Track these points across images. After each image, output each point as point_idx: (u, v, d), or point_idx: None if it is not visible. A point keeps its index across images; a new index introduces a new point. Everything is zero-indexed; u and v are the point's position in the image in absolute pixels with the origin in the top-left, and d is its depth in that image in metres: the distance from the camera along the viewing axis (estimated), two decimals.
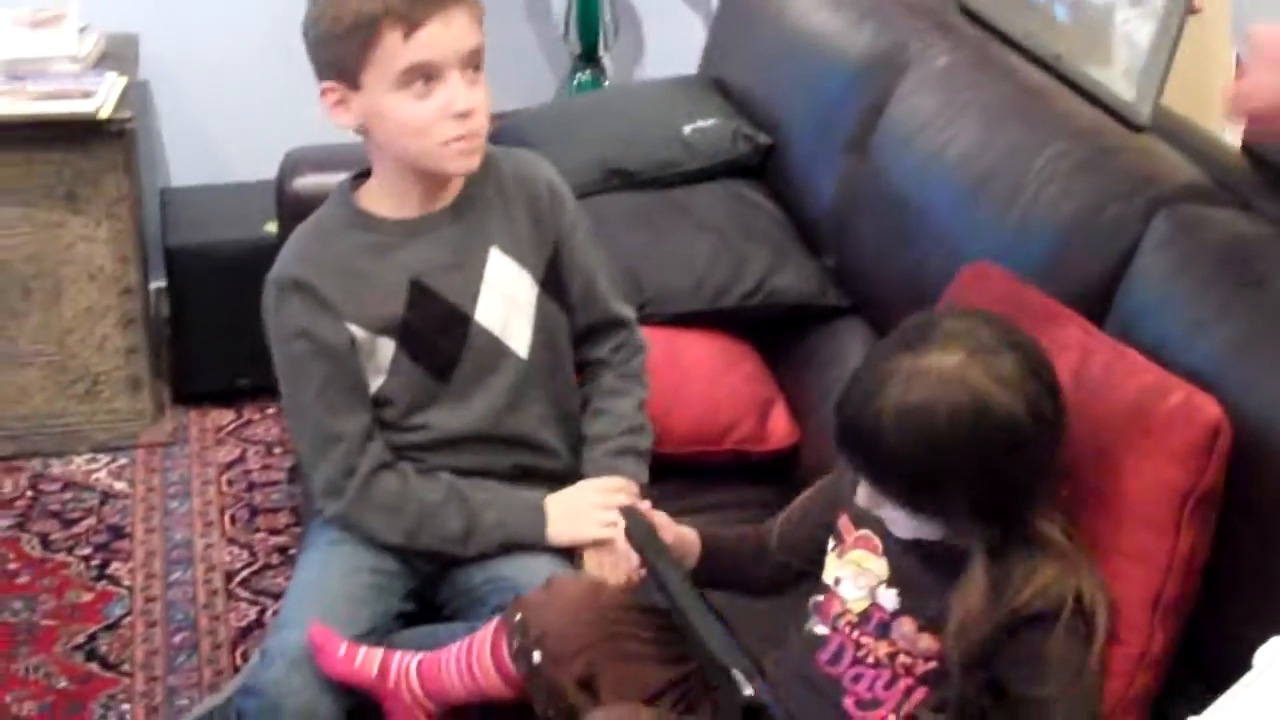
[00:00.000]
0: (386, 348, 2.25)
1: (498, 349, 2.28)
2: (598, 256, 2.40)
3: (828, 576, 1.91)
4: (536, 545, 2.26)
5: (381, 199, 2.27)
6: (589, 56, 3.99)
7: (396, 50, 2.12)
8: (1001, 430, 1.69)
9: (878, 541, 1.86)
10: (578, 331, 2.38)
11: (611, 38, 4.01)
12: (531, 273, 2.30)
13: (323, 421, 2.25)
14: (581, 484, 2.31)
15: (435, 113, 2.14)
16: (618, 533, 2.07)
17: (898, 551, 1.84)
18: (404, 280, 2.24)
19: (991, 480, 1.70)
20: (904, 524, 1.79)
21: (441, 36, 2.13)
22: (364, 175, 2.31)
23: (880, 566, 1.85)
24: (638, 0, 4.22)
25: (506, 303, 2.28)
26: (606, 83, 4.00)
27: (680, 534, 2.02)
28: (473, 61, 2.17)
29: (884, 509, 1.79)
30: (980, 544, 1.73)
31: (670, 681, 1.94)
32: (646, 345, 2.45)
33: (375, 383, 2.27)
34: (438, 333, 2.26)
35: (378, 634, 2.18)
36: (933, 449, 1.68)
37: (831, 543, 1.92)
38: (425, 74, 2.14)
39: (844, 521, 1.91)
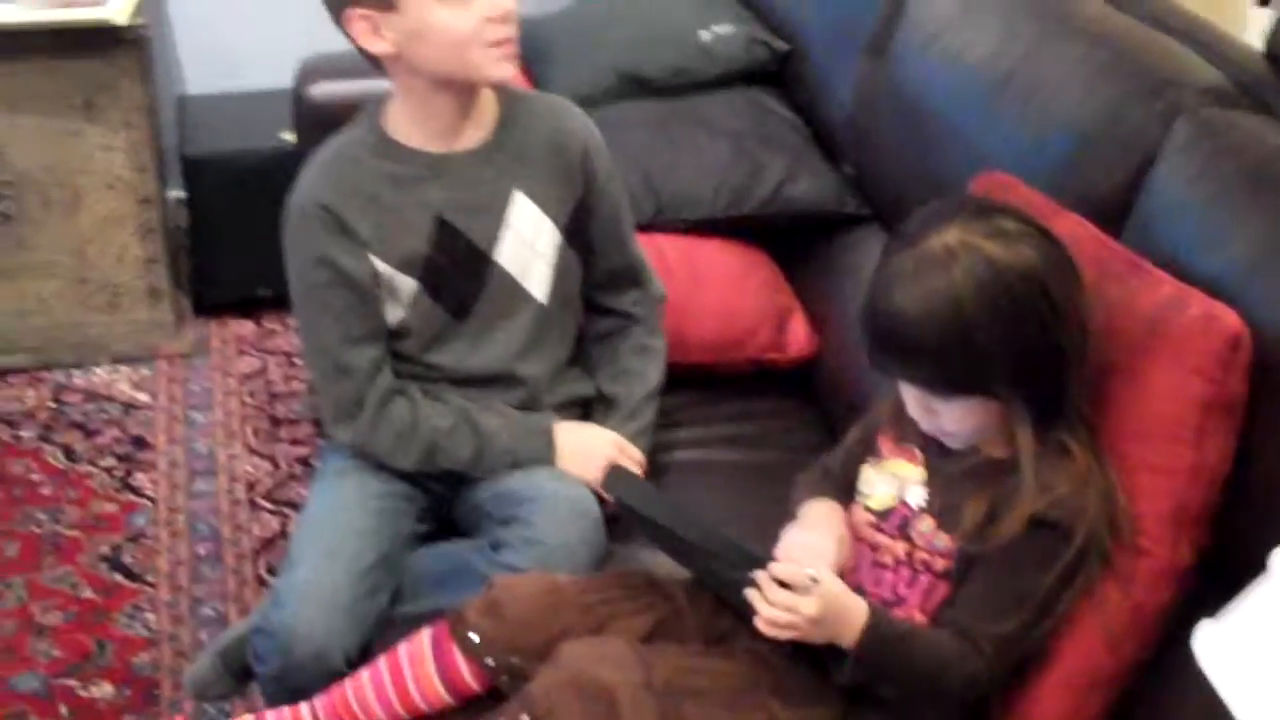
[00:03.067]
0: (407, 283, 2.23)
1: (516, 292, 2.27)
2: (625, 204, 2.38)
3: (860, 486, 1.91)
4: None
5: (409, 128, 2.22)
6: None
7: None
8: (1019, 278, 1.71)
9: (917, 453, 1.87)
10: (597, 276, 2.37)
11: None
12: (554, 220, 2.28)
13: (337, 350, 2.24)
14: (602, 431, 2.32)
15: (477, 19, 2.10)
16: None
17: (937, 459, 1.85)
18: (429, 217, 2.22)
19: (1026, 336, 1.71)
20: (955, 422, 1.79)
21: None
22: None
23: (916, 473, 1.86)
24: None
25: (527, 247, 2.26)
26: None
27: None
28: None
29: (935, 416, 1.79)
30: (1026, 436, 1.74)
31: (655, 622, 1.93)
32: (664, 293, 2.43)
33: (394, 315, 2.26)
34: (458, 271, 2.24)
35: (391, 560, 2.18)
36: (959, 322, 1.70)
37: (869, 461, 1.93)
38: None
39: (883, 439, 1.92)
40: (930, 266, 1.71)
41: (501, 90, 2.27)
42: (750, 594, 1.76)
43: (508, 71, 2.18)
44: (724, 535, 1.83)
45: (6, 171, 3.47)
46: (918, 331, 1.71)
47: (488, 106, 2.25)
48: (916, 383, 1.78)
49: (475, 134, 2.24)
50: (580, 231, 2.32)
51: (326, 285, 2.21)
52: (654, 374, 2.38)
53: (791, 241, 2.75)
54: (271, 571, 2.96)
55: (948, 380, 1.75)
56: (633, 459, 2.30)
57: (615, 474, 2.06)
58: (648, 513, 1.92)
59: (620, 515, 2.13)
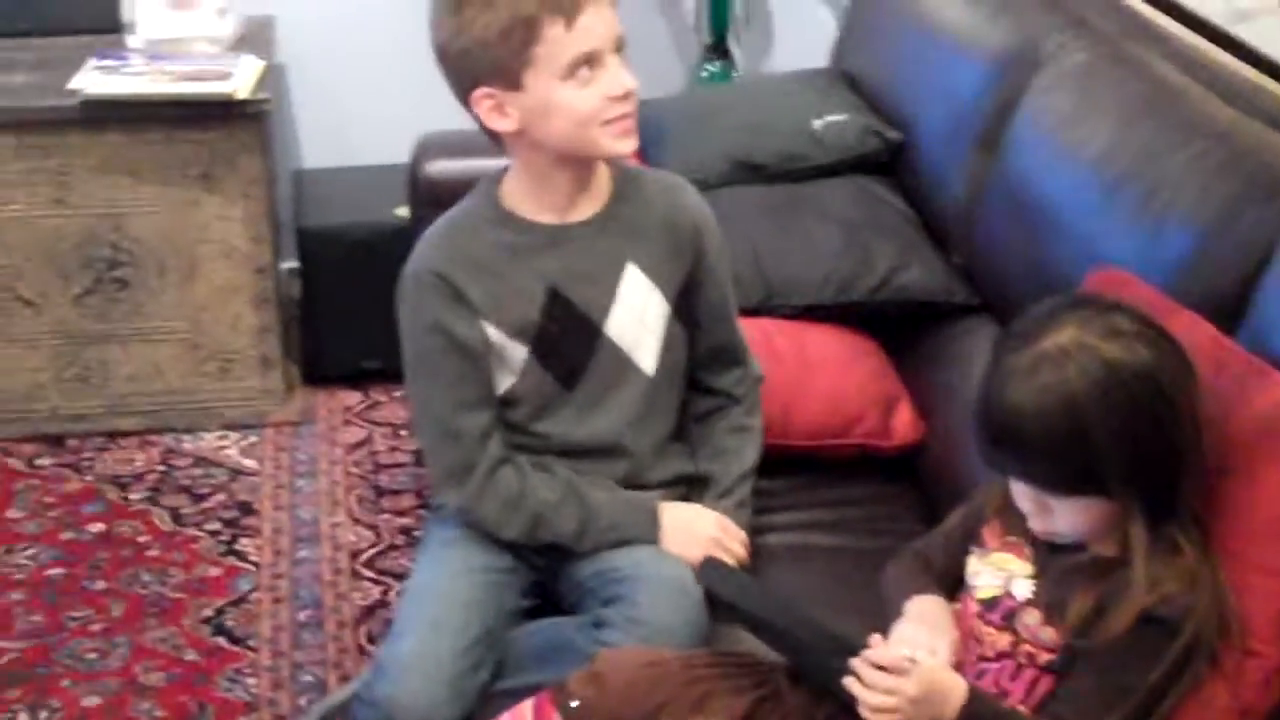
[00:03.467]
0: (518, 351, 2.26)
1: (625, 363, 2.30)
2: (730, 283, 2.41)
3: (966, 577, 1.92)
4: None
5: (524, 199, 2.27)
6: (719, 47, 3.99)
7: (560, 42, 2.12)
8: (1134, 377, 1.71)
9: (1026, 548, 1.87)
10: (701, 353, 2.39)
11: (742, 29, 4.01)
12: (664, 293, 2.31)
13: (447, 416, 2.27)
14: (705, 511, 2.33)
15: (600, 98, 2.15)
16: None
17: (1045, 555, 1.85)
18: (542, 286, 2.25)
19: (1141, 435, 1.72)
20: (1068, 520, 1.79)
21: (597, 22, 2.14)
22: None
23: (1023, 567, 1.86)
24: None
25: (636, 320, 2.29)
26: (736, 74, 4.00)
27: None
28: (621, 44, 2.18)
29: (1048, 513, 1.79)
30: (1139, 533, 1.74)
31: (755, 701, 1.93)
32: (762, 374, 2.45)
33: (504, 383, 2.29)
34: (569, 340, 2.27)
35: (494, 635, 2.20)
36: (1074, 421, 1.70)
37: (974, 551, 1.93)
38: (589, 61, 2.14)
39: (990, 530, 1.92)
40: (1045, 365, 1.72)
41: (616, 165, 2.30)
42: (849, 682, 1.76)
43: (629, 147, 2.22)
44: (820, 623, 1.84)
45: (126, 239, 3.55)
46: (1032, 430, 1.72)
47: (602, 180, 2.29)
48: (1030, 481, 1.79)
49: (590, 206, 2.28)
50: (687, 306, 2.34)
51: (439, 351, 2.25)
52: (750, 453, 2.39)
53: (899, 329, 2.76)
54: (372, 640, 2.98)
55: (1061, 479, 1.76)
56: (736, 538, 2.31)
57: (709, 566, 2.07)
58: (743, 605, 1.93)
59: (718, 606, 2.14)
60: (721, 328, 2.39)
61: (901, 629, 1.90)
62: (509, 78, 2.14)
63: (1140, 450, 1.72)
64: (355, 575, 3.19)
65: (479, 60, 2.15)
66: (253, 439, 3.68)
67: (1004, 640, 1.84)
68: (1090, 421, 1.70)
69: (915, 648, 1.83)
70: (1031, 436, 1.73)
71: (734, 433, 2.40)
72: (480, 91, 2.17)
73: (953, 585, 1.96)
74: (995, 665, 1.85)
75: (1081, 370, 1.71)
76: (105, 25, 3.80)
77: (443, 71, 2.21)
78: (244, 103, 3.46)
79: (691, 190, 2.38)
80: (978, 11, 2.85)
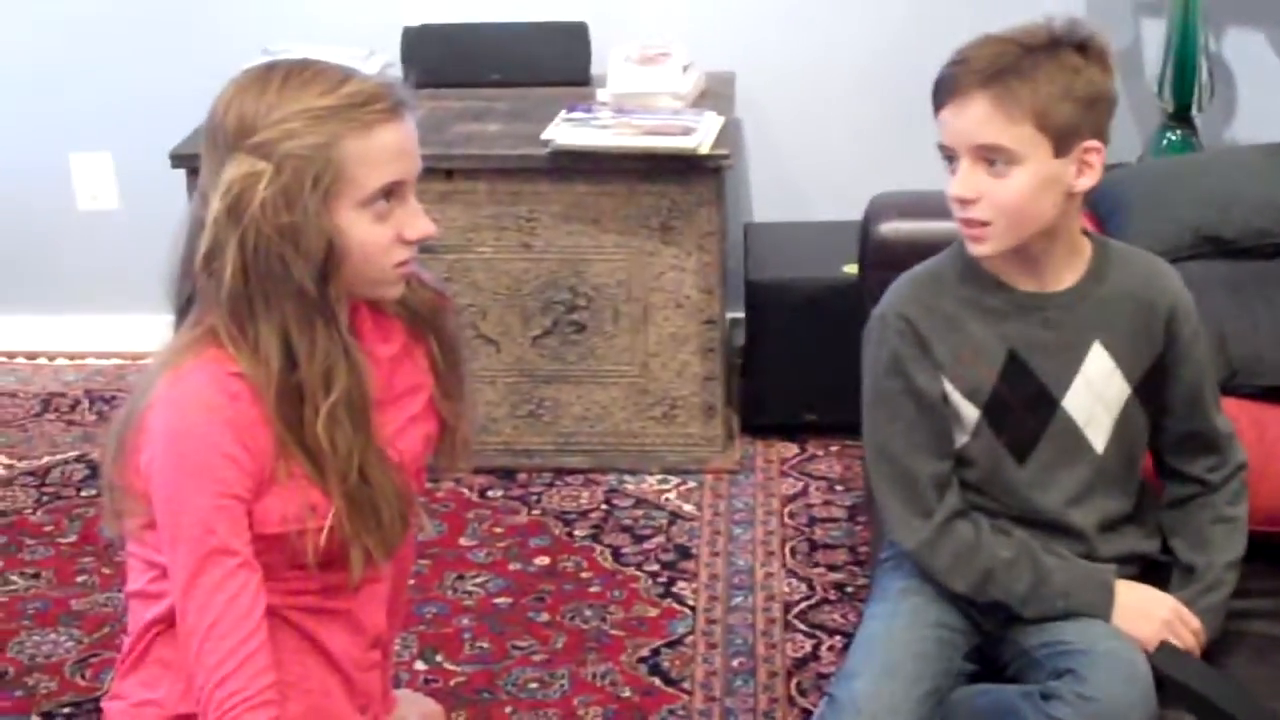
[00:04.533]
0: (971, 412, 2.28)
1: (1077, 439, 2.28)
2: (1209, 369, 2.37)
3: None
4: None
5: (1000, 262, 2.27)
6: (1181, 116, 3.91)
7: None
8: None
9: None
10: (1169, 438, 2.35)
11: (1206, 98, 3.91)
12: (1126, 375, 2.28)
13: (904, 459, 2.29)
14: (1160, 593, 2.29)
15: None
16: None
17: None
18: (1003, 349, 2.26)
19: None
20: None
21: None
22: None
23: None
24: (1234, 60, 4.11)
25: (1095, 397, 2.27)
26: (1197, 143, 3.91)
27: None
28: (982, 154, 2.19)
29: None
30: None
31: None
32: (1245, 460, 2.39)
33: (959, 440, 2.30)
34: (1023, 408, 2.27)
35: (940, 693, 2.21)
36: None
37: None
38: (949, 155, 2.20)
39: None
40: None
41: (1097, 239, 2.29)
42: None
43: (970, 251, 2.24)
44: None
45: (585, 285, 3.69)
46: None
47: (1082, 252, 2.28)
48: None
49: (1066, 278, 2.27)
50: (1154, 390, 2.30)
51: (899, 393, 2.27)
52: (1234, 544, 2.33)
53: None
54: (803, 692, 3.01)
55: None
56: (1189, 627, 2.25)
57: (1166, 648, 2.03)
58: (1202, 691, 1.88)
59: (1171, 692, 2.09)
60: (1195, 414, 2.34)
61: None
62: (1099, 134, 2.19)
63: None
64: (788, 626, 3.23)
65: (1099, 112, 2.20)
66: (691, 484, 3.76)
67: None
68: None
69: None
70: None
71: (1218, 523, 2.34)
72: (1091, 143, 2.19)
73: None
74: None
75: None
76: (576, 78, 3.98)
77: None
78: (705, 157, 3.56)
79: (1172, 272, 2.35)
80: None
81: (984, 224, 2.18)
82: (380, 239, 1.93)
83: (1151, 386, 2.30)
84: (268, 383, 1.89)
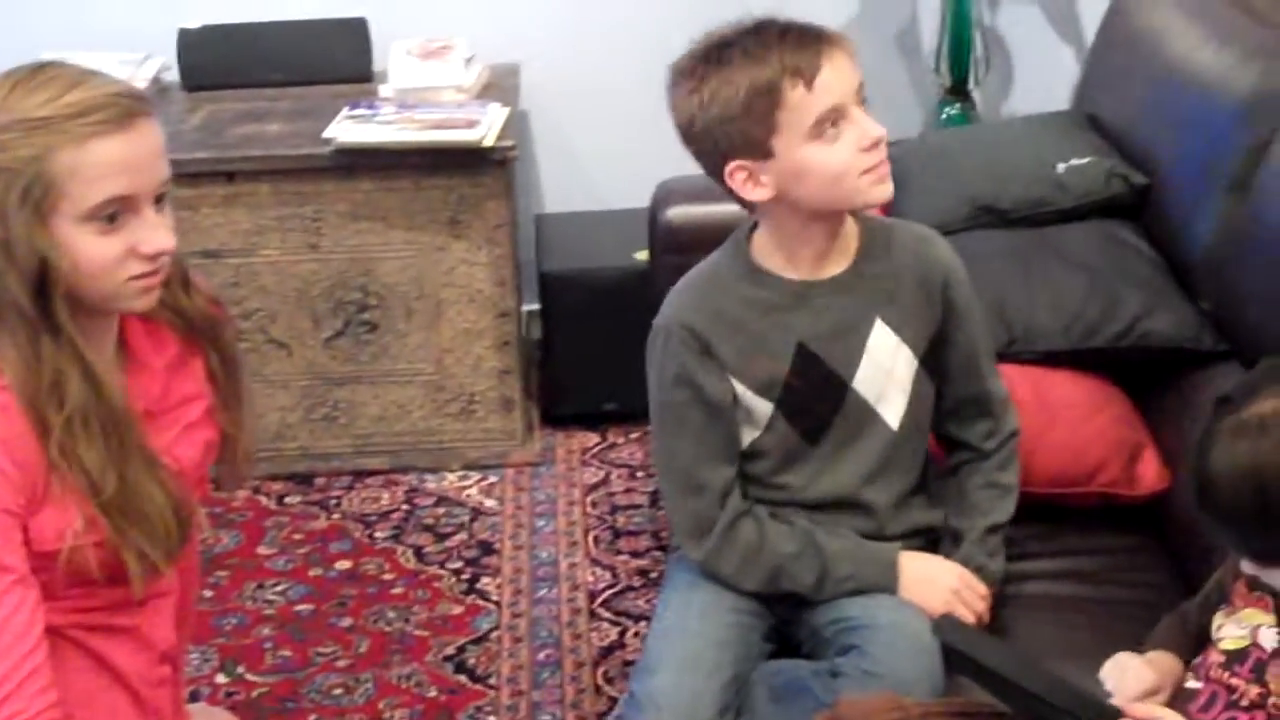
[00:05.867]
0: (764, 407, 2.28)
1: (870, 417, 2.30)
2: (983, 334, 2.39)
3: (1212, 632, 1.88)
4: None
5: (775, 256, 2.28)
6: (959, 90, 3.97)
7: (803, 105, 2.13)
8: None
9: (1269, 599, 1.83)
10: (947, 404, 2.38)
11: (982, 71, 3.98)
12: (912, 348, 2.30)
13: (691, 469, 2.29)
14: (946, 562, 2.31)
15: (851, 151, 2.15)
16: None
17: None
18: (791, 342, 2.26)
19: None
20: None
21: (836, 78, 2.14)
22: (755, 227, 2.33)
23: (1267, 618, 1.82)
24: (1009, 33, 4.18)
25: (884, 374, 2.29)
26: (976, 117, 3.97)
27: None
28: (863, 93, 2.18)
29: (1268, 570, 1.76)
30: None
31: None
32: (1018, 428, 2.42)
33: (748, 437, 2.30)
34: (815, 396, 2.28)
35: (741, 679, 2.21)
36: (1259, 496, 1.68)
37: (1222, 608, 1.89)
38: (834, 118, 2.14)
39: (1238, 587, 1.88)
40: (1242, 435, 1.69)
41: (864, 219, 2.30)
42: None
43: (887, 193, 2.22)
44: (1067, 684, 1.82)
45: (375, 284, 3.65)
46: (1222, 498, 1.71)
47: (852, 235, 2.29)
48: (1226, 545, 1.76)
49: (840, 262, 2.29)
50: (937, 360, 2.33)
51: (686, 404, 2.26)
52: (1002, 510, 2.36)
53: (1145, 376, 2.71)
54: (609, 680, 3.01)
55: (1250, 548, 1.72)
56: (976, 592, 2.28)
57: (946, 620, 2.05)
58: (983, 660, 1.90)
59: (954, 661, 2.12)
60: (971, 379, 2.37)
61: (1121, 656, 1.90)
62: (758, 148, 2.16)
63: None
64: (593, 616, 3.23)
65: (725, 135, 2.16)
66: (493, 479, 3.74)
67: (1254, 691, 1.80)
68: (1274, 497, 1.66)
69: (1124, 674, 1.82)
70: (1222, 504, 1.71)
71: (985, 488, 2.37)
72: (732, 165, 2.19)
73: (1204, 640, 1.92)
74: (1245, 715, 1.81)
75: (1276, 444, 1.67)
76: (358, 75, 3.92)
77: (690, 151, 2.23)
78: (490, 150, 3.53)
79: (942, 242, 2.37)
80: (1228, 53, 2.79)
81: (887, 162, 2.19)
82: (107, 254, 1.85)
83: (935, 357, 2.33)
84: (20, 394, 1.84)
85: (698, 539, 2.29)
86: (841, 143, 2.15)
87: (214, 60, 3.92)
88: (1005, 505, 2.37)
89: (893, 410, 2.31)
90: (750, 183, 2.19)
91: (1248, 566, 1.79)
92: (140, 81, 3.68)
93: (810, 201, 2.20)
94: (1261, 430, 1.68)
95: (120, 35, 3.92)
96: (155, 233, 1.88)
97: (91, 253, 1.85)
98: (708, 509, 2.28)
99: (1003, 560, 2.35)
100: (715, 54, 2.16)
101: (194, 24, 3.97)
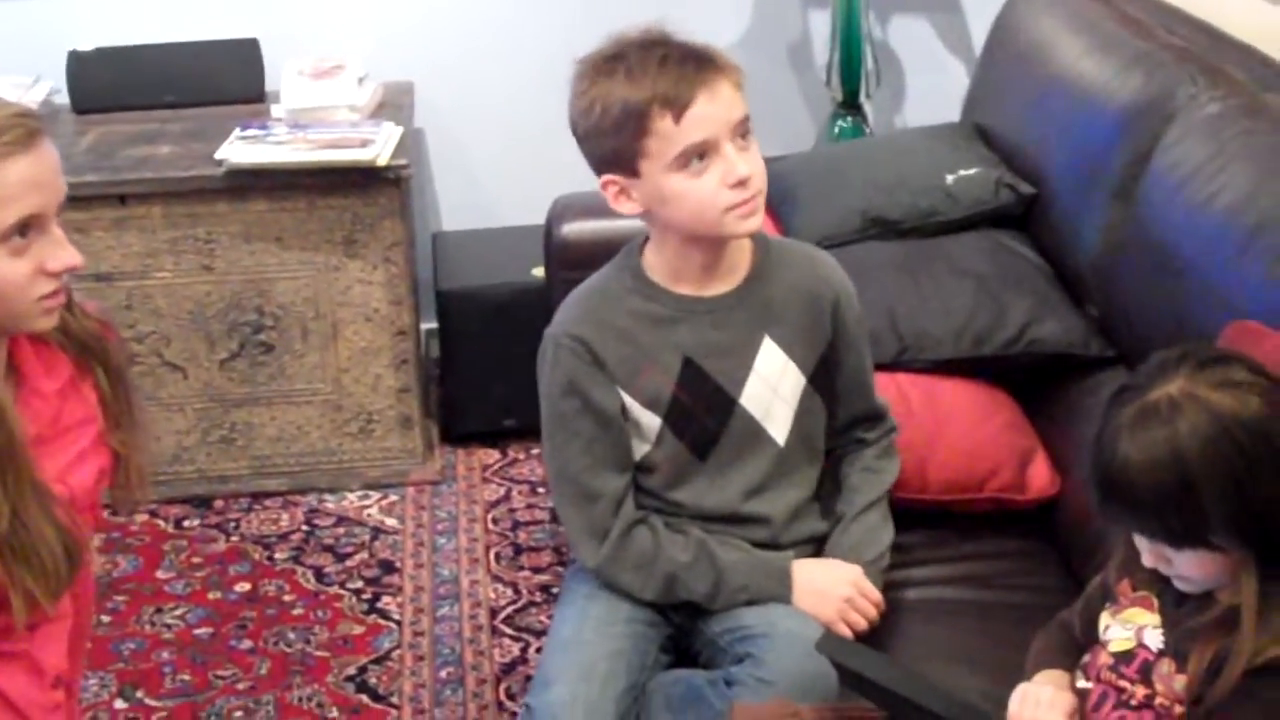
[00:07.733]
0: (653, 420, 2.29)
1: (757, 433, 2.31)
2: (869, 354, 2.42)
3: (1099, 632, 1.91)
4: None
5: (664, 270, 2.29)
6: (850, 103, 4.00)
7: (669, 135, 2.12)
8: (1243, 429, 1.68)
9: (1154, 600, 1.85)
10: (840, 422, 2.41)
11: (873, 85, 4.02)
12: (800, 366, 2.32)
13: (583, 478, 2.30)
14: (837, 566, 2.33)
15: (714, 187, 2.15)
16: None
17: (1173, 606, 1.83)
18: (679, 357, 2.28)
19: (1252, 488, 1.68)
20: (1189, 570, 1.77)
21: (710, 113, 2.13)
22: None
23: (1152, 618, 1.84)
24: (900, 47, 4.23)
25: (770, 391, 2.31)
26: (868, 129, 4.01)
27: None
28: (742, 129, 2.17)
29: (1169, 564, 1.78)
30: (1250, 585, 1.72)
31: None
32: (896, 425, 2.46)
33: (639, 451, 2.32)
34: (703, 411, 2.30)
35: (637, 689, 2.22)
36: (1181, 475, 1.68)
37: (1108, 607, 1.92)
38: (701, 152, 2.14)
39: (1122, 586, 1.91)
40: (1153, 418, 1.71)
41: (757, 237, 2.32)
42: None
43: (752, 227, 2.21)
44: (949, 693, 1.85)
45: (270, 304, 3.63)
46: (1141, 484, 1.71)
47: (742, 252, 2.31)
48: (1143, 534, 1.78)
49: (729, 279, 2.30)
50: (826, 379, 2.35)
51: (576, 413, 2.27)
52: (875, 488, 2.39)
53: (1034, 382, 2.75)
54: (511, 696, 3.01)
55: (1172, 533, 1.74)
56: (871, 599, 2.31)
57: (828, 638, 2.07)
58: (868, 674, 1.92)
59: (842, 675, 2.14)
60: (860, 397, 2.40)
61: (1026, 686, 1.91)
62: (627, 165, 2.17)
63: (1250, 502, 1.69)
64: (495, 632, 3.23)
65: (599, 146, 2.18)
66: (393, 498, 3.73)
67: (1140, 692, 1.83)
68: (1197, 476, 1.68)
69: (1038, 707, 1.83)
70: (1140, 490, 1.71)
71: (863, 472, 2.41)
72: (605, 178, 2.21)
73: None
74: (1134, 715, 1.83)
75: (1190, 424, 1.69)
76: (249, 95, 3.90)
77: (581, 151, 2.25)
78: (384, 168, 3.52)
79: (833, 263, 2.39)
80: (1110, 64, 2.84)
81: (757, 197, 2.18)
82: (18, 274, 1.85)
83: (824, 375, 2.35)
84: None
85: (593, 549, 2.30)
86: (707, 177, 2.14)
87: (105, 82, 3.89)
88: (883, 479, 2.40)
89: (779, 427, 2.32)
90: (622, 197, 2.21)
91: (1149, 558, 1.80)
92: (30, 104, 3.64)
93: (677, 227, 2.22)
94: (1174, 409, 1.69)
95: (9, 58, 3.89)
96: (62, 249, 1.88)
97: (4, 273, 1.84)
98: (601, 517, 2.29)
99: (890, 530, 2.38)
100: (605, 65, 2.17)
101: (85, 46, 3.93)
